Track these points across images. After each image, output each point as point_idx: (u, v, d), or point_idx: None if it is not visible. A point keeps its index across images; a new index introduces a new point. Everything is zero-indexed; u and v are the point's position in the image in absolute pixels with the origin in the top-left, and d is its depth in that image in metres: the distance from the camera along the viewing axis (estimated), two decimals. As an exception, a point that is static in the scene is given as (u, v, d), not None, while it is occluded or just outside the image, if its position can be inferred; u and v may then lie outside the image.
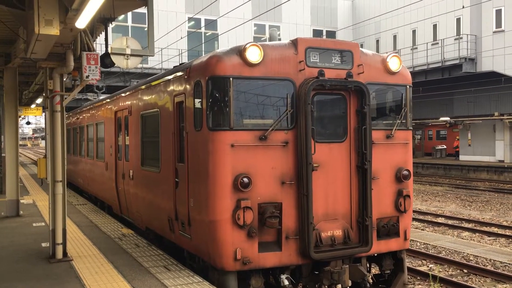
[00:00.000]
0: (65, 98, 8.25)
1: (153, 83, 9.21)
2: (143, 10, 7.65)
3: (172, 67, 8.81)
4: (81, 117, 17.76)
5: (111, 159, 12.43)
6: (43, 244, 9.28)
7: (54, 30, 6.08)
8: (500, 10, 30.06)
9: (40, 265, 7.89)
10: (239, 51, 6.76)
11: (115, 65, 7.65)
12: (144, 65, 30.65)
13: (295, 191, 6.95)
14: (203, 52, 31.40)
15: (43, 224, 11.54)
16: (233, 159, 6.62)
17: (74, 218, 12.39)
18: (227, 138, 6.62)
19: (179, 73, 7.77)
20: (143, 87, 9.90)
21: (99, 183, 14.41)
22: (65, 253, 8.27)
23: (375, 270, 8.92)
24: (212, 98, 6.74)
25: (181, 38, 30.65)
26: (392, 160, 7.71)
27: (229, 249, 6.61)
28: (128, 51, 7.07)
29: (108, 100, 13.27)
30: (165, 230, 8.63)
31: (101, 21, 7.75)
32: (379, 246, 7.56)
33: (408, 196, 7.74)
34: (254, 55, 6.72)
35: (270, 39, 8.38)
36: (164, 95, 8.49)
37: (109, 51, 7.26)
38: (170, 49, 30.53)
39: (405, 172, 7.74)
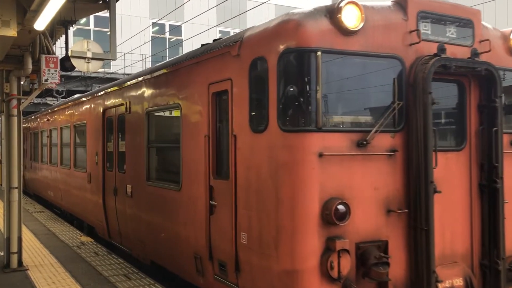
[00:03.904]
0: (23, 102, 8.02)
1: (167, 70, 7.06)
2: (105, 14, 7.51)
3: (200, 45, 6.53)
4: (52, 118, 15.11)
5: (97, 170, 10.12)
6: (-3, 253, 8.95)
7: (11, 32, 5.90)
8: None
9: (-7, 275, 7.59)
10: (330, 12, 4.71)
11: (76, 69, 7.48)
12: (107, 70, 30.13)
13: (406, 223, 4.94)
14: (167, 58, 31.13)
15: (-3, 232, 11.12)
16: (322, 176, 4.57)
17: (30, 226, 12.00)
18: (313, 144, 4.56)
19: (220, 51, 5.67)
20: (149, 76, 7.70)
21: (77, 198, 11.88)
22: (20, 262, 8.00)
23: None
24: (288, 82, 4.71)
25: (145, 43, 30.32)
26: None
27: None
28: (89, 55, 6.91)
29: (93, 96, 10.86)
30: (186, 270, 6.55)
31: (62, 23, 7.55)
32: None
33: None
34: (352, 18, 4.71)
35: None
36: (189, 84, 6.37)
37: (69, 54, 7.09)
38: (133, 54, 30.11)
39: None
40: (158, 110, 7.50)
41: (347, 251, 4.52)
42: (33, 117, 19.31)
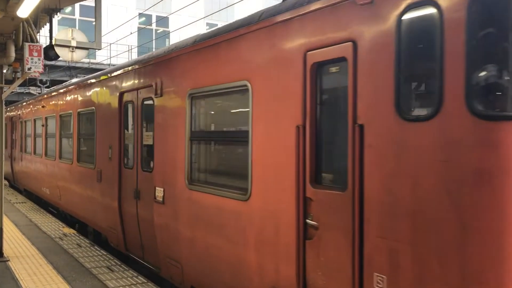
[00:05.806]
0: (5, 91, 7.88)
1: (227, 36, 5.37)
2: (91, 3, 7.42)
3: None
4: (49, 104, 13.23)
5: (110, 166, 8.41)
6: (-23, 244, 8.82)
7: (-7, 18, 5.79)
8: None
9: (-27, 266, 7.49)
10: None
11: (60, 58, 7.39)
12: (92, 60, 29.82)
13: None
14: (154, 48, 30.92)
15: (-23, 222, 10.97)
16: None
17: (12, 217, 11.86)
18: None
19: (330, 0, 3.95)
20: (194, 48, 5.94)
21: (82, 198, 10.17)
22: (1, 253, 7.91)
23: None
24: (490, 35, 2.92)
25: (131, 33, 30.05)
26: None
27: None
28: (74, 43, 6.81)
29: (105, 76, 8.91)
30: None
31: (46, 11, 7.44)
32: None
33: None
34: None
35: None
36: (267, 53, 4.69)
37: (53, 43, 6.98)
38: (119, 44, 29.83)
39: None
40: (210, 92, 5.67)
41: None
42: (24, 103, 17.66)
